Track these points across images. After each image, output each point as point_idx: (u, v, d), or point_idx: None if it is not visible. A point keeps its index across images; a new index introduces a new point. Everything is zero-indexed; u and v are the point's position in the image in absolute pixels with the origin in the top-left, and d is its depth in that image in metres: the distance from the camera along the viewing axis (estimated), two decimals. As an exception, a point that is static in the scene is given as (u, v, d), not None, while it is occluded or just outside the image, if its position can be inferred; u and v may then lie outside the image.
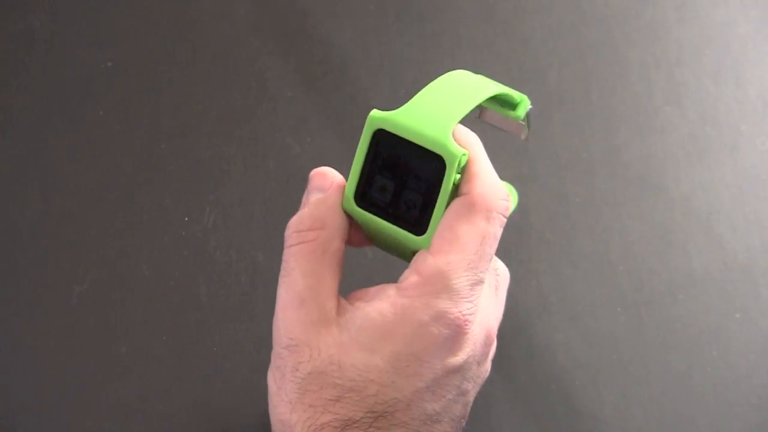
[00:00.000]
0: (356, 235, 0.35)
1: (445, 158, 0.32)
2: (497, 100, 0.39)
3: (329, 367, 0.30)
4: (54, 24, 0.59)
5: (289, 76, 0.57)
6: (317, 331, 0.31)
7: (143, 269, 0.52)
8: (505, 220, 0.33)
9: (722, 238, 0.53)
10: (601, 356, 0.49)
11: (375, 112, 0.32)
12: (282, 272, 0.33)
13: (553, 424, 0.47)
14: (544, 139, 0.55)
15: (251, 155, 0.55)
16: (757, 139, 0.56)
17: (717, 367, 0.49)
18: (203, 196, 0.54)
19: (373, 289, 0.33)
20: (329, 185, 0.34)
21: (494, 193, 0.33)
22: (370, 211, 0.33)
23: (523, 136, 0.41)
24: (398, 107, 0.33)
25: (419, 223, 0.33)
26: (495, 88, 0.37)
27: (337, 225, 0.33)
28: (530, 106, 0.40)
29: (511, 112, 0.40)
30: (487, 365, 0.36)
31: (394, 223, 0.33)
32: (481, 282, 0.32)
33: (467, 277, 0.31)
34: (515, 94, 0.39)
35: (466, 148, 0.32)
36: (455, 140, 0.32)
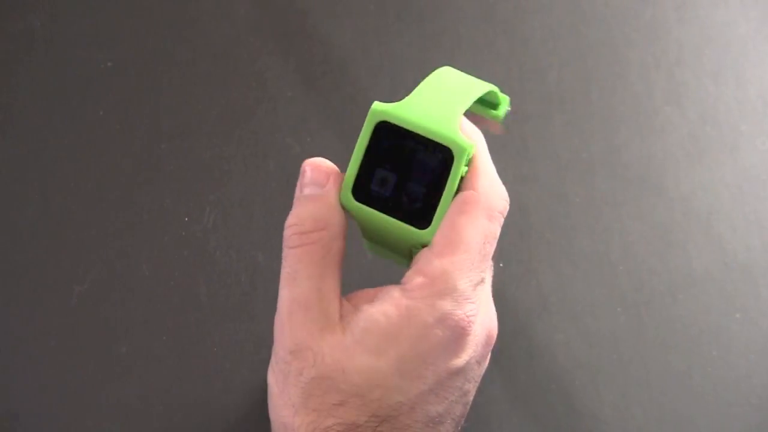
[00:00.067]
0: None
1: (453, 150, 0.32)
2: (479, 98, 0.39)
3: (333, 372, 0.30)
4: (54, 24, 0.59)
5: (289, 76, 0.57)
6: (322, 336, 0.31)
7: (143, 269, 0.52)
8: (503, 219, 0.33)
9: (722, 238, 0.53)
10: (601, 356, 0.49)
11: (377, 105, 0.32)
12: (284, 275, 0.32)
13: (553, 424, 0.47)
14: (544, 139, 0.55)
15: (251, 155, 0.55)
16: (757, 139, 0.56)
17: (717, 367, 0.49)
18: (203, 196, 0.54)
19: (375, 291, 0.33)
20: (326, 180, 0.33)
21: (497, 191, 0.33)
22: (368, 205, 0.33)
23: (499, 133, 0.41)
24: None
25: (422, 217, 0.32)
26: (487, 84, 0.37)
27: (338, 224, 0.33)
28: (509, 108, 0.40)
29: (492, 111, 0.40)
30: (486, 362, 0.36)
31: (394, 217, 0.33)
32: (482, 282, 0.32)
33: (470, 278, 0.31)
34: (499, 94, 0.39)
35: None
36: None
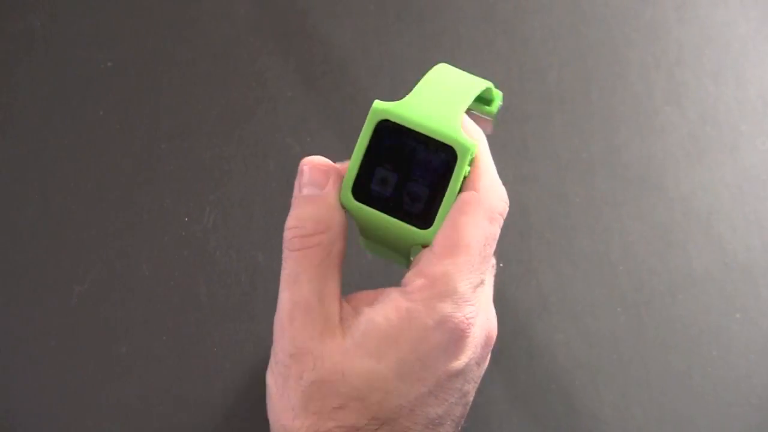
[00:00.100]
0: None
1: (457, 150, 0.31)
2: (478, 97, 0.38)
3: (333, 376, 0.30)
4: (54, 24, 0.59)
5: (289, 76, 0.57)
6: (322, 340, 0.31)
7: (143, 269, 0.52)
8: (503, 220, 0.33)
9: (722, 238, 0.53)
10: (601, 356, 0.49)
11: (379, 104, 0.32)
12: (285, 277, 0.32)
13: (553, 424, 0.47)
14: (544, 139, 0.55)
15: (251, 155, 0.55)
16: (757, 139, 0.56)
17: (717, 367, 0.49)
18: (203, 196, 0.54)
19: (375, 293, 0.33)
20: (326, 180, 0.33)
21: (497, 192, 0.33)
22: (368, 205, 0.32)
23: (489, 131, 0.40)
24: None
25: (424, 216, 0.32)
26: (484, 81, 0.36)
27: (339, 225, 0.32)
28: (501, 104, 0.40)
29: (486, 107, 0.40)
30: (486, 363, 0.36)
31: (394, 217, 0.32)
32: (482, 283, 0.32)
33: (471, 280, 0.31)
34: (493, 90, 0.39)
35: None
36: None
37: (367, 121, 0.32)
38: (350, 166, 0.32)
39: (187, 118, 0.56)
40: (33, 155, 0.55)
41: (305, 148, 0.55)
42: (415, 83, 0.34)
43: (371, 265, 0.50)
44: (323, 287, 0.31)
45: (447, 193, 0.32)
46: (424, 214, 0.32)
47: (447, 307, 0.30)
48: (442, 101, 0.33)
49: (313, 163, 0.33)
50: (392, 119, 0.32)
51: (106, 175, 0.54)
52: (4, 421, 0.48)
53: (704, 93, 0.57)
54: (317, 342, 0.31)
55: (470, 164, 0.32)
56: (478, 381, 0.35)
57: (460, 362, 0.31)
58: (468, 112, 0.40)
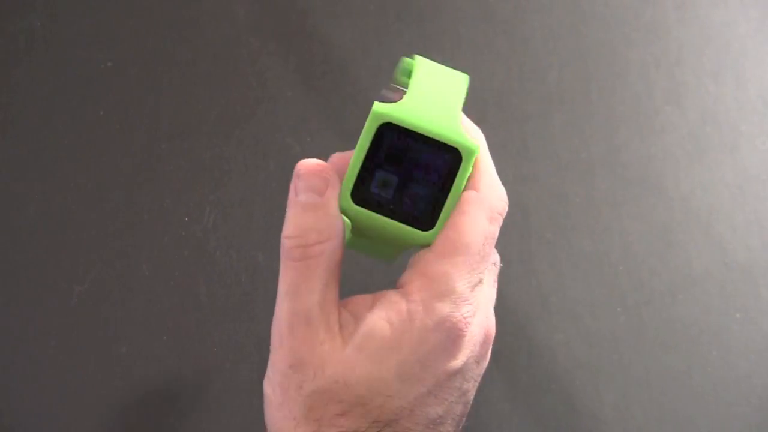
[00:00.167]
0: None
1: (462, 152, 0.31)
2: None
3: (334, 385, 0.30)
4: (54, 24, 0.59)
5: (289, 76, 0.57)
6: (322, 350, 0.30)
7: (143, 269, 0.52)
8: (502, 220, 0.33)
9: (722, 238, 0.53)
10: (601, 356, 0.49)
11: (380, 107, 0.31)
12: (284, 286, 0.31)
13: (553, 424, 0.47)
14: (544, 139, 0.55)
15: (251, 155, 0.55)
16: (757, 139, 0.56)
17: (717, 367, 0.49)
18: (203, 196, 0.54)
19: (372, 297, 0.32)
20: (325, 186, 0.32)
21: (497, 193, 0.33)
22: (368, 208, 0.32)
23: None
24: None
25: (426, 218, 0.32)
26: (464, 75, 0.36)
27: (340, 234, 0.32)
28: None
29: None
30: (486, 361, 0.36)
31: (395, 219, 0.32)
32: (480, 282, 0.32)
33: (469, 280, 0.31)
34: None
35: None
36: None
37: (368, 124, 0.31)
38: (350, 170, 0.32)
39: (187, 118, 0.56)
40: (33, 155, 0.55)
41: (305, 148, 0.55)
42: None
43: (370, 267, 0.50)
44: (324, 297, 0.31)
45: (450, 195, 0.31)
46: (425, 215, 0.32)
47: (445, 307, 0.30)
48: (440, 101, 0.32)
49: (311, 169, 0.32)
50: (396, 123, 0.31)
51: (106, 175, 0.54)
52: (4, 421, 0.48)
53: (704, 93, 0.57)
54: (317, 352, 0.30)
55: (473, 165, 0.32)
56: (478, 379, 0.35)
57: (458, 361, 0.31)
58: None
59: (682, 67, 0.58)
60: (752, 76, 0.58)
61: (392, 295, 0.31)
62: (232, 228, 0.53)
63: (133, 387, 0.48)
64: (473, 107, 0.55)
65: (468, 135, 0.32)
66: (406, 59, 0.37)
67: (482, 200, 0.32)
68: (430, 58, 0.35)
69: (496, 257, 0.36)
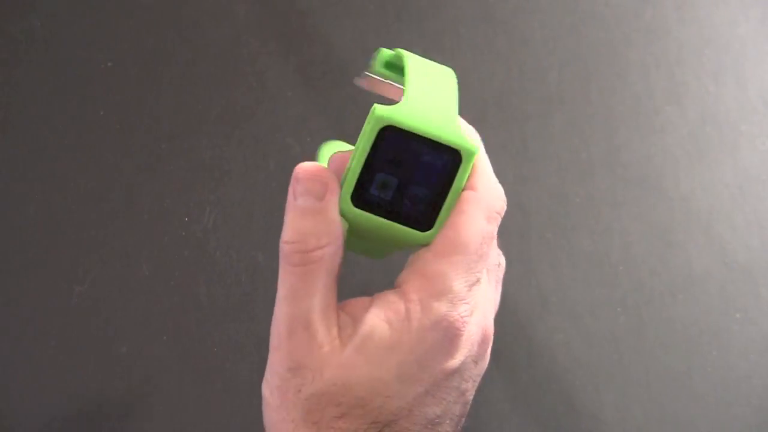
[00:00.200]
0: None
1: (462, 153, 0.31)
2: (399, 68, 0.37)
3: (332, 387, 0.30)
4: (54, 24, 0.59)
5: (289, 76, 0.57)
6: (320, 353, 0.30)
7: (143, 269, 0.52)
8: (500, 219, 0.33)
9: (722, 238, 0.53)
10: (601, 356, 0.49)
11: (381, 110, 0.31)
12: (283, 291, 0.31)
13: (553, 424, 0.47)
14: (544, 139, 0.55)
15: (251, 155, 0.55)
16: (757, 139, 0.56)
17: (717, 367, 0.49)
18: (203, 196, 0.54)
19: (368, 299, 0.32)
20: (324, 190, 0.31)
21: (495, 192, 0.33)
22: (367, 210, 0.32)
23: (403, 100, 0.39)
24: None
25: (424, 219, 0.32)
26: (450, 69, 0.36)
27: (340, 237, 0.32)
28: None
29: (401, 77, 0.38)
30: (486, 361, 0.36)
31: (394, 221, 0.32)
32: (478, 282, 0.32)
33: (467, 279, 0.31)
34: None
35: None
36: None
37: (369, 127, 0.31)
38: (350, 174, 0.31)
39: (187, 118, 0.56)
40: (33, 155, 0.55)
41: (305, 148, 0.55)
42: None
43: (370, 266, 0.50)
44: (323, 301, 0.31)
45: (450, 195, 0.31)
46: (424, 216, 0.32)
47: (442, 306, 0.30)
48: (438, 102, 0.32)
49: (311, 173, 0.32)
50: (398, 126, 0.31)
51: (106, 175, 0.54)
52: (4, 421, 0.48)
53: (704, 93, 0.57)
54: (316, 356, 0.30)
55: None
56: (477, 379, 0.35)
57: (456, 361, 0.31)
58: (380, 83, 0.39)
59: (682, 67, 0.58)
60: (752, 76, 0.58)
61: (390, 296, 0.31)
62: (232, 228, 0.53)
63: (133, 387, 0.48)
64: (473, 107, 0.56)
65: (467, 135, 0.32)
66: (385, 50, 0.37)
67: (480, 200, 0.32)
68: (429, 58, 0.35)
69: (501, 259, 0.36)
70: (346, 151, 0.33)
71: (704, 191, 0.54)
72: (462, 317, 0.31)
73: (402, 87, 0.38)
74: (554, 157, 0.55)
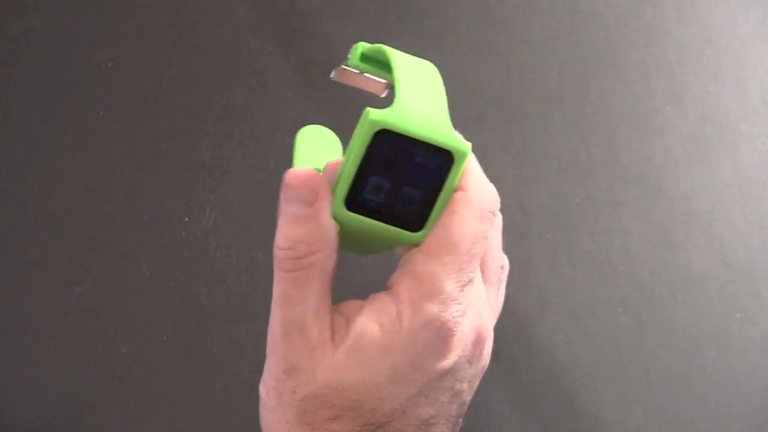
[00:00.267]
0: None
1: (455, 154, 0.31)
2: (376, 61, 0.37)
3: (325, 390, 0.30)
4: (54, 24, 0.59)
5: (289, 76, 0.57)
6: (314, 356, 0.31)
7: (143, 269, 0.52)
8: (494, 219, 0.33)
9: (722, 238, 0.53)
10: (601, 356, 0.49)
11: (374, 114, 0.30)
12: (278, 296, 0.31)
13: (553, 424, 0.47)
14: (544, 139, 0.55)
15: (251, 155, 0.55)
16: (757, 139, 0.56)
17: (717, 367, 0.49)
18: (203, 196, 0.54)
19: (360, 302, 0.32)
20: (315, 197, 0.31)
21: (486, 191, 0.33)
22: (360, 213, 0.32)
23: (383, 94, 0.39)
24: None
25: (416, 220, 0.32)
26: (432, 65, 0.35)
27: (333, 242, 0.32)
28: None
29: (389, 74, 0.37)
30: (483, 362, 0.35)
31: (386, 222, 0.32)
32: (470, 282, 0.32)
33: (458, 279, 0.31)
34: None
35: None
36: None
37: (363, 131, 0.30)
38: (343, 178, 0.31)
39: (187, 118, 0.56)
40: (33, 155, 0.55)
41: (305, 148, 0.55)
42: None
43: (369, 267, 0.50)
44: (317, 305, 0.31)
45: (441, 196, 0.32)
46: (416, 217, 0.32)
47: (434, 307, 0.30)
48: (428, 103, 0.32)
49: (301, 179, 0.32)
50: (393, 129, 0.31)
51: (106, 175, 0.54)
52: (4, 421, 0.48)
53: (704, 93, 0.57)
54: (310, 358, 0.31)
55: None
56: (474, 380, 0.35)
57: (448, 361, 0.31)
58: (357, 77, 0.39)
59: (682, 67, 0.58)
60: (752, 76, 0.58)
61: (382, 297, 0.31)
62: (232, 228, 0.53)
63: (133, 387, 0.48)
64: (473, 107, 0.56)
65: (458, 135, 0.32)
66: (364, 44, 0.37)
67: (470, 199, 0.32)
68: (427, 58, 0.35)
69: (505, 261, 0.36)
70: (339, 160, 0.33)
71: (704, 191, 0.54)
72: (454, 317, 0.31)
73: (379, 80, 0.38)
74: (554, 157, 0.55)
